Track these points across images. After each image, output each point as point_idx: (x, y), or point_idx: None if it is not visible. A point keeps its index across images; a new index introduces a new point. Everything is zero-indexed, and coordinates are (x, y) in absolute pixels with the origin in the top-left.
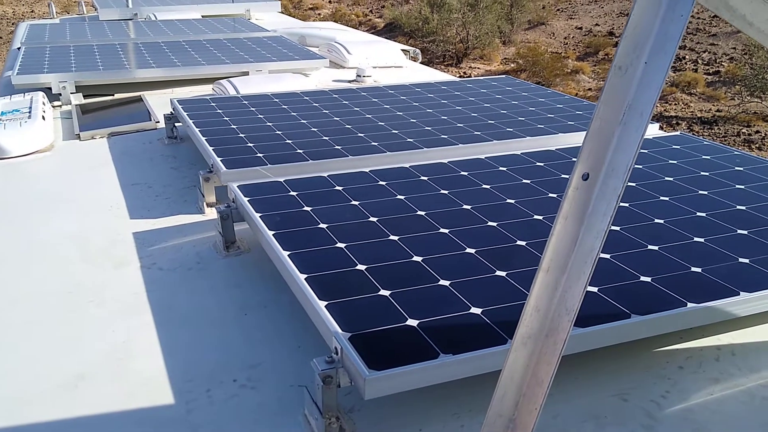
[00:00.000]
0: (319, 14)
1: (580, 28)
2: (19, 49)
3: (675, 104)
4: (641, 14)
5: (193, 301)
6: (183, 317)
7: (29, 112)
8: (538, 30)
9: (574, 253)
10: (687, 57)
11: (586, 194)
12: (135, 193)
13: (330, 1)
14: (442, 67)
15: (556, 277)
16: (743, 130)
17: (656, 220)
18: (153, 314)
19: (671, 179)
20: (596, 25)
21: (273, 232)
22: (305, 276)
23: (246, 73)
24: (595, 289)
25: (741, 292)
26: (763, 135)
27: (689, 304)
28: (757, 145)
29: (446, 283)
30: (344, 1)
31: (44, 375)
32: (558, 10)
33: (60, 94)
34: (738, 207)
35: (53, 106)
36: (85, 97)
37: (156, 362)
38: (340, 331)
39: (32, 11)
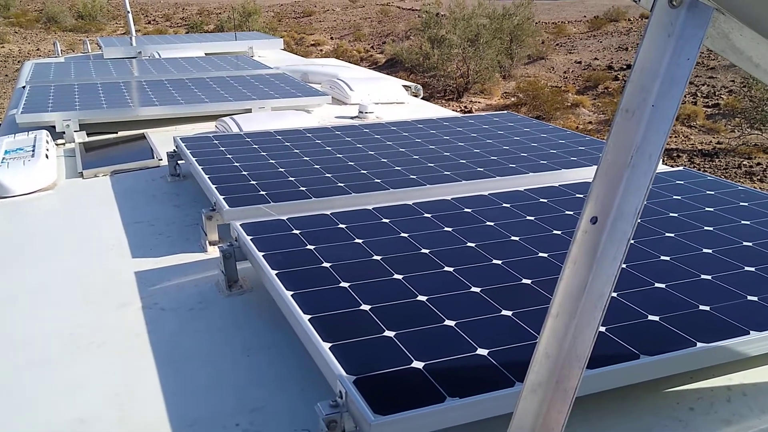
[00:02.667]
0: (321, 50)
1: (580, 62)
2: (23, 87)
3: (675, 137)
4: (647, 57)
5: (195, 342)
6: (184, 359)
7: (33, 150)
8: (538, 64)
9: (583, 299)
10: (686, 90)
11: (595, 238)
12: (137, 232)
13: (332, 38)
14: (443, 101)
15: (566, 322)
16: (744, 162)
17: (662, 257)
18: (154, 356)
19: (676, 215)
20: (595, 59)
21: (276, 272)
22: (309, 317)
23: (249, 110)
24: (602, 329)
25: (751, 331)
26: (765, 167)
27: (699, 344)
28: (758, 177)
29: (452, 323)
30: (346, 37)
31: (45, 420)
32: (557, 44)
33: (64, 133)
34: (744, 243)
35: (57, 145)
36: (88, 135)
37: (157, 406)
38: (344, 374)
39: (38, 49)
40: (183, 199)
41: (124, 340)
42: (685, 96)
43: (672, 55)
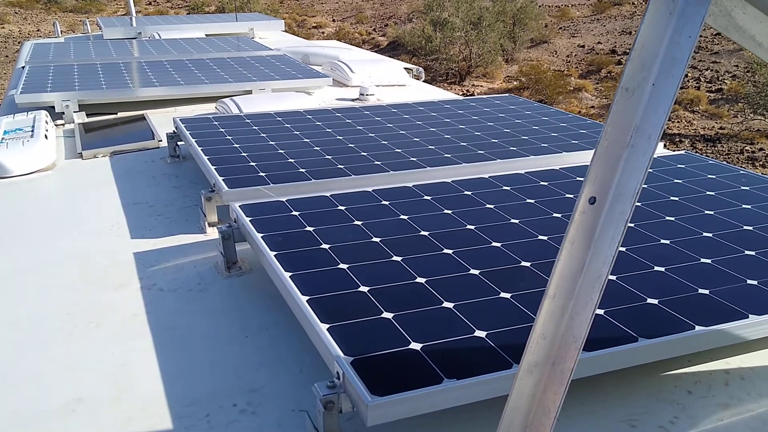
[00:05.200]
0: (323, 33)
1: (583, 46)
2: (23, 68)
3: (678, 122)
4: (648, 35)
5: (194, 323)
6: (183, 339)
7: (32, 131)
8: (541, 48)
9: (581, 279)
10: (689, 74)
11: (593, 219)
12: (136, 213)
13: (333, 20)
14: (446, 85)
15: (563, 303)
16: (747, 148)
17: (662, 241)
18: (152, 336)
19: (677, 199)
20: (598, 43)
21: (274, 253)
22: (307, 298)
23: (249, 92)
24: (601, 312)
25: (750, 315)
26: (767, 152)
27: (697, 327)
28: (761, 163)
29: (450, 305)
30: (348, 19)
31: (43, 398)
32: (560, 28)
33: (63, 113)
34: (745, 227)
35: (56, 125)
36: (88, 115)
37: (155, 386)
38: (342, 355)
39: (38, 30)
40: (182, 180)
41: (122, 321)
42: (687, 81)
43: (673, 33)
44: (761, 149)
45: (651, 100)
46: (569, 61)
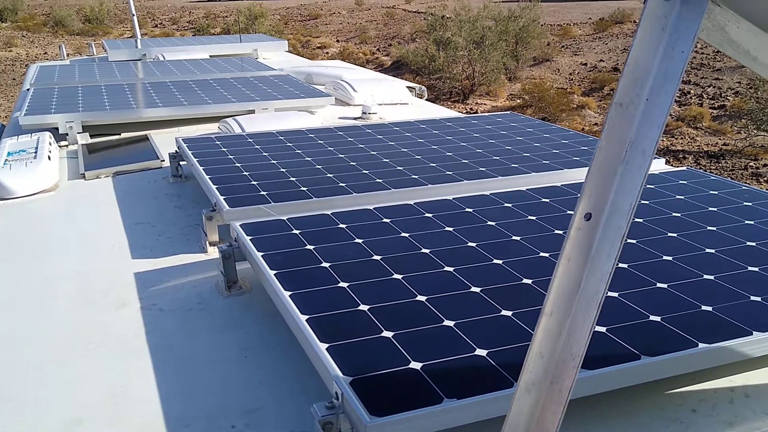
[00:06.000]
0: (327, 53)
1: (585, 64)
2: (28, 90)
3: (681, 138)
4: (641, 50)
5: (193, 343)
6: (182, 359)
7: (35, 152)
8: (543, 66)
9: (578, 297)
10: (692, 91)
11: (589, 235)
12: (138, 233)
13: (338, 40)
14: (449, 103)
15: (560, 321)
16: (750, 164)
17: (665, 257)
18: (152, 356)
19: (679, 215)
20: (600, 61)
21: (274, 272)
22: (306, 317)
23: (252, 112)
24: (603, 329)
25: (754, 332)
26: None
27: (700, 345)
28: (765, 179)
29: (451, 323)
30: (352, 39)
31: (41, 419)
32: (562, 46)
33: (67, 134)
34: (748, 243)
35: (60, 146)
36: (91, 136)
37: (153, 407)
38: (341, 374)
39: (45, 53)
40: (184, 200)
41: (121, 341)
42: (690, 97)
43: (666, 48)
44: (765, 165)
45: (645, 115)
46: (572, 79)
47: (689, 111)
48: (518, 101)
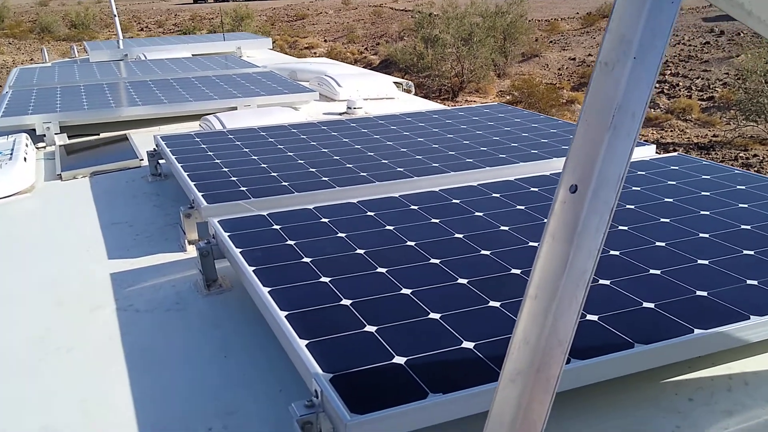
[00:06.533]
0: (315, 53)
1: (574, 59)
2: (6, 92)
3: (671, 131)
4: (627, 3)
5: (170, 344)
6: (158, 362)
7: (11, 154)
8: (532, 62)
9: (564, 277)
10: (681, 84)
11: (575, 209)
12: (115, 233)
13: (325, 40)
14: (438, 101)
15: (546, 304)
16: (740, 154)
17: (657, 243)
18: (126, 360)
19: (671, 201)
20: (589, 55)
21: (253, 268)
22: (285, 313)
23: (234, 108)
24: (594, 318)
25: (751, 316)
26: (761, 158)
27: (696, 331)
28: (755, 169)
29: (436, 316)
30: (339, 39)
31: (9, 429)
32: (551, 42)
33: (44, 135)
34: (742, 226)
35: (38, 148)
36: (70, 137)
37: (126, 413)
38: (320, 371)
39: (31, 59)
40: (163, 198)
41: (95, 345)
42: (679, 90)
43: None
44: (755, 155)
45: (633, 76)
46: (561, 74)
47: (678, 103)
48: (508, 97)
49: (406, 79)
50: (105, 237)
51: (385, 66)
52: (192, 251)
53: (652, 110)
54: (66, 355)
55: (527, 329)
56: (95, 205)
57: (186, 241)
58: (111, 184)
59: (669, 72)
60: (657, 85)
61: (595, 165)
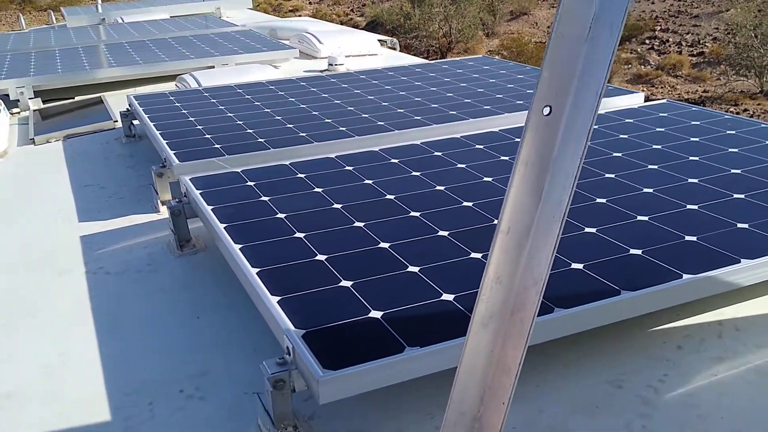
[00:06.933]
0: (299, 15)
1: None
2: None
3: (661, 87)
4: None
5: (140, 307)
6: (127, 325)
7: None
8: (521, 20)
9: (539, 209)
10: (671, 39)
11: (549, 133)
12: (86, 196)
13: (310, 2)
14: None
15: (519, 240)
16: (731, 109)
17: (645, 190)
18: (95, 323)
19: (659, 147)
20: None
21: (224, 225)
22: (257, 270)
23: (211, 68)
24: (579, 266)
25: (742, 260)
26: (752, 113)
27: (685, 276)
28: None
29: (415, 269)
30: (325, 1)
31: None
32: None
33: (18, 100)
34: (732, 171)
35: (12, 114)
36: (45, 102)
37: (94, 377)
38: (292, 328)
39: (12, 30)
40: (137, 159)
41: (62, 308)
42: (669, 45)
43: None
44: (745, 110)
45: None
46: (550, 33)
47: (669, 59)
48: (497, 57)
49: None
50: (76, 200)
51: (372, 27)
52: (165, 212)
53: (642, 67)
54: (32, 320)
55: (500, 267)
56: (67, 169)
57: (159, 201)
58: (84, 147)
59: (659, 28)
60: (646, 42)
61: (571, 83)
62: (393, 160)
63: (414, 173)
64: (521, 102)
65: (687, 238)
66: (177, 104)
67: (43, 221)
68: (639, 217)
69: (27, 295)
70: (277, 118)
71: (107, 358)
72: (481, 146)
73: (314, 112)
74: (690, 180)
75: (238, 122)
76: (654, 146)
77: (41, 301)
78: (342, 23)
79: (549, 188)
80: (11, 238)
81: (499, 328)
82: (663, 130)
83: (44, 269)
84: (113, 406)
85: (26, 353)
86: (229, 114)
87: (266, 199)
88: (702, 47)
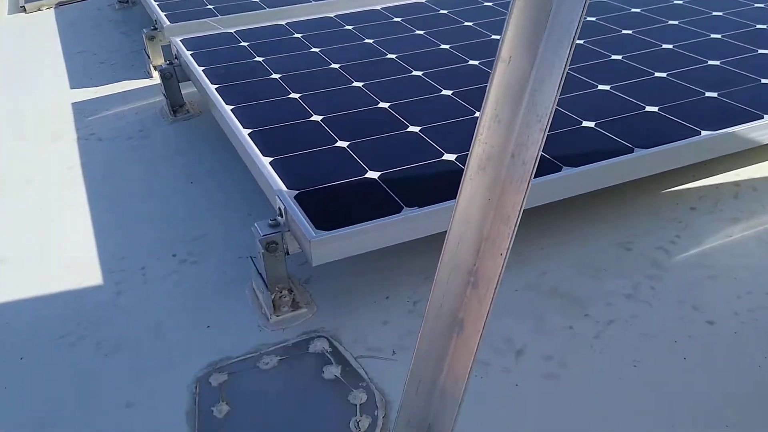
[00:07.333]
0: None
1: None
2: None
3: None
4: None
5: (133, 173)
6: (119, 190)
7: None
8: None
9: (546, 31)
10: None
11: None
12: (78, 62)
13: None
14: None
15: (523, 68)
16: None
17: (664, 46)
18: (87, 189)
19: (681, 2)
20: None
21: (216, 86)
22: (249, 131)
23: None
24: (591, 124)
25: (765, 115)
26: None
27: (703, 133)
28: None
29: (416, 129)
30: None
31: None
32: None
33: None
34: (758, 26)
35: None
36: None
37: (86, 241)
38: (284, 189)
39: None
40: (130, 25)
41: (54, 175)
42: None
43: None
44: None
45: None
46: None
47: None
48: None
49: None
50: (68, 67)
51: None
52: (158, 78)
53: None
54: (25, 186)
55: (499, 103)
56: (59, 36)
57: (151, 66)
58: (77, 14)
59: None
60: None
61: None
62: (396, 19)
63: (418, 32)
64: None
65: (707, 94)
66: None
67: (34, 88)
68: (657, 74)
69: (19, 162)
70: None
71: (99, 224)
72: (490, 4)
73: None
74: (712, 35)
75: None
76: (676, 1)
77: (33, 167)
78: None
79: (558, 6)
80: (2, 105)
81: (498, 173)
82: None
83: (36, 136)
84: (105, 269)
85: (20, 219)
86: None
87: (260, 59)
88: None
